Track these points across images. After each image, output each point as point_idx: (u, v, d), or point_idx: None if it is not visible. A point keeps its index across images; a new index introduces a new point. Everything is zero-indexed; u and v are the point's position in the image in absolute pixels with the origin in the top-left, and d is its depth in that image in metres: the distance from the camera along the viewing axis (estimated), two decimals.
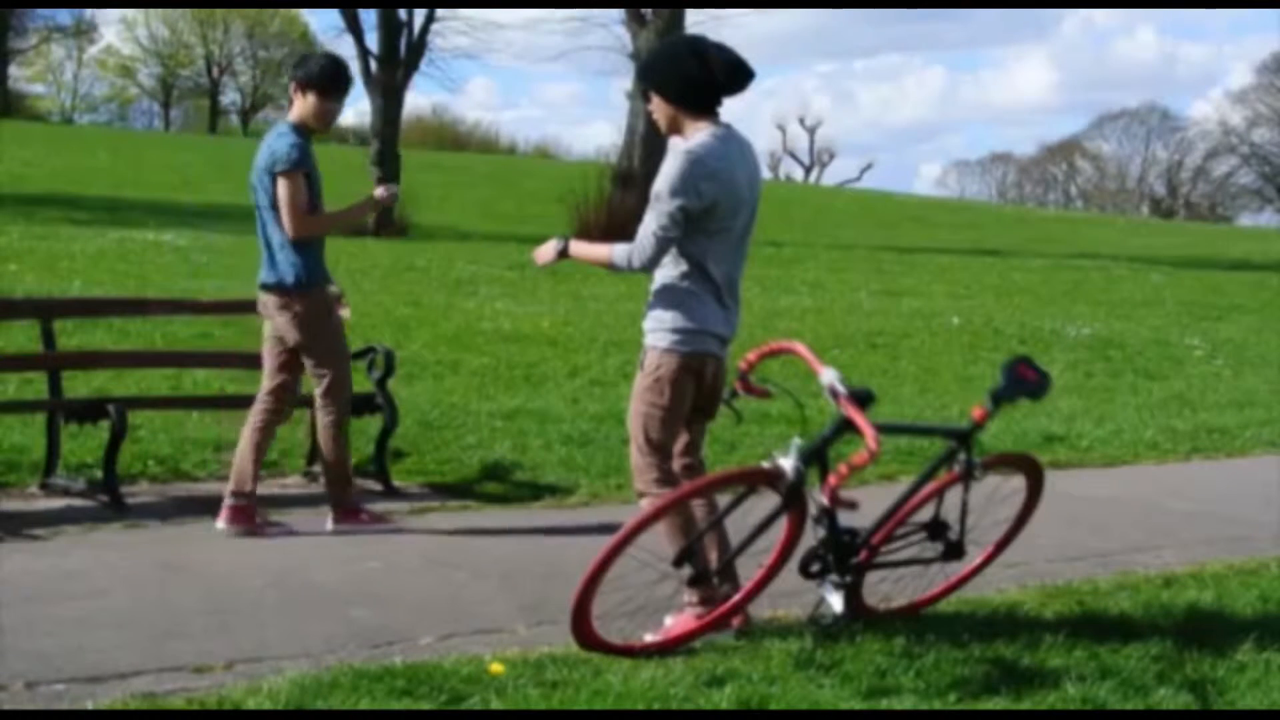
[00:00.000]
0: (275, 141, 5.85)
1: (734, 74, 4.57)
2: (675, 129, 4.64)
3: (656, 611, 4.55)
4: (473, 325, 12.10)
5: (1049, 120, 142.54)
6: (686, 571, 4.48)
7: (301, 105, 5.87)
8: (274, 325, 5.97)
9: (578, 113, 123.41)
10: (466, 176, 38.59)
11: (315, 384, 6.01)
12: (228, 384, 8.64)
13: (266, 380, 6.06)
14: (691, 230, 4.52)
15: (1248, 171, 71.83)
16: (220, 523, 5.91)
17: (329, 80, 5.88)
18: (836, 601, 4.49)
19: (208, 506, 6.31)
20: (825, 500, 4.36)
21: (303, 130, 5.87)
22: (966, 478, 4.64)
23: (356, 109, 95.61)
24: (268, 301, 5.94)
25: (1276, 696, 4.28)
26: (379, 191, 6.22)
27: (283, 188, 5.76)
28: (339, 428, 6.01)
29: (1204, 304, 19.47)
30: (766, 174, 51.16)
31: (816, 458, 4.42)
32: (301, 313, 5.87)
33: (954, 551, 4.83)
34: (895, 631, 4.63)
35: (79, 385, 7.68)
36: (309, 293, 5.88)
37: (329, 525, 6.02)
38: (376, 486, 6.85)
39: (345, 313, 6.24)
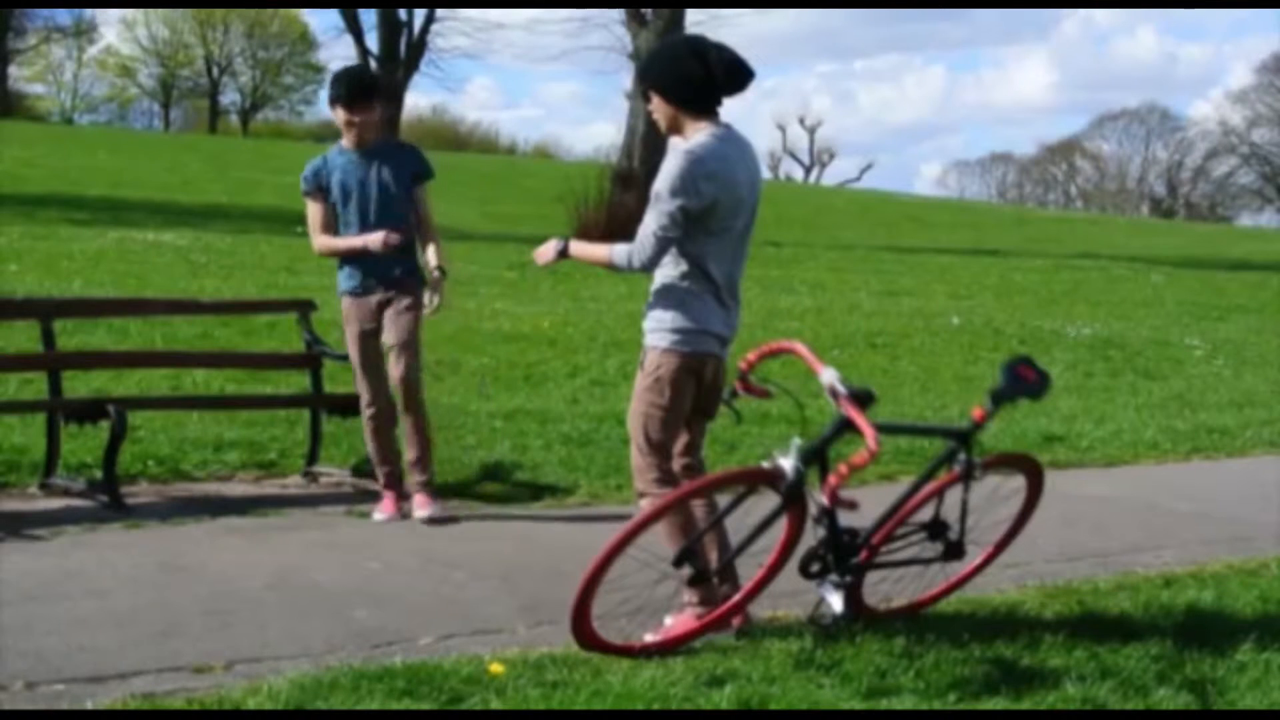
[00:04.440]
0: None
1: (734, 74, 4.57)
2: (675, 129, 4.64)
3: (656, 611, 4.55)
4: (473, 325, 12.09)
5: (1049, 120, 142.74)
6: (686, 571, 4.48)
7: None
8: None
9: (578, 113, 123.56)
10: (466, 176, 38.56)
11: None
12: (227, 384, 8.65)
13: None
14: (691, 230, 4.52)
15: (1248, 171, 71.89)
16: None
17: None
18: (836, 601, 4.49)
19: (208, 506, 6.32)
20: (825, 500, 4.36)
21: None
22: (966, 478, 4.64)
23: None
24: None
25: (1276, 696, 4.28)
26: (374, 239, 6.25)
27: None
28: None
29: (1204, 304, 19.47)
30: (766, 174, 51.10)
31: (816, 458, 4.42)
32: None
33: (954, 551, 4.83)
34: (895, 631, 4.63)
35: (79, 385, 7.68)
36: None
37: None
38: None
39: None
